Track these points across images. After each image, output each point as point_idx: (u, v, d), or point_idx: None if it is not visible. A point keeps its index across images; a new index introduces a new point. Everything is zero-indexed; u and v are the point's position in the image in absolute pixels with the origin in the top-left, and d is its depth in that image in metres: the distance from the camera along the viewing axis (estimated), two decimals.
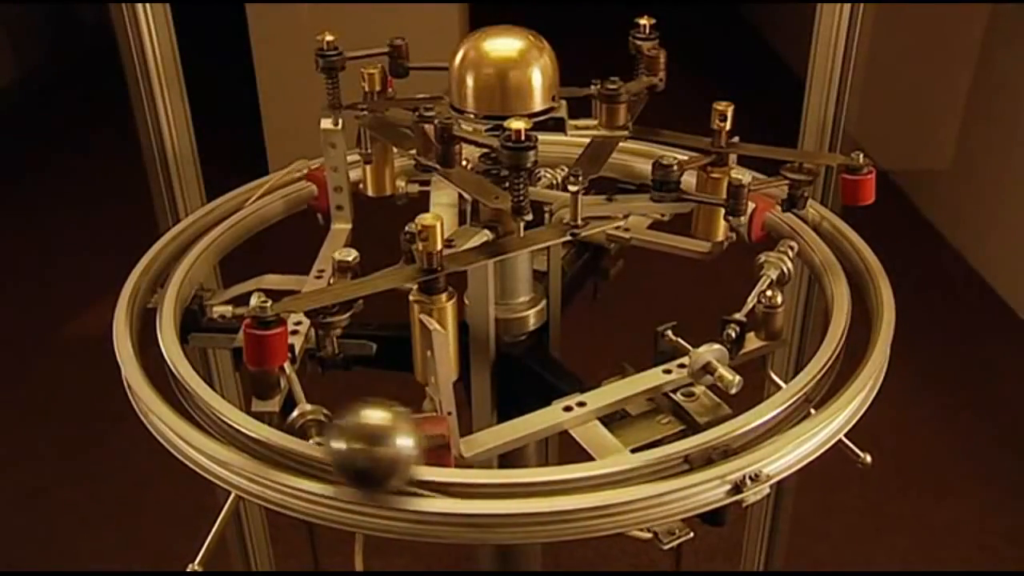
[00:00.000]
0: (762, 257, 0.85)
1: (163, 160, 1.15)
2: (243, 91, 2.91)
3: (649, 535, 0.68)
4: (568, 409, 0.73)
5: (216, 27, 3.06)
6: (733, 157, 0.88)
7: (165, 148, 1.15)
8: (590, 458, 0.69)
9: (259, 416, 0.71)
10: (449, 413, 0.69)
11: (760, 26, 4.05)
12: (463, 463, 0.68)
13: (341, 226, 0.99)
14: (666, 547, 0.67)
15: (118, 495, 1.98)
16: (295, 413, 0.73)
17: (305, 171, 1.02)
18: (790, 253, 0.85)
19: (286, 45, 2.67)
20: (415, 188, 0.98)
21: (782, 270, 0.84)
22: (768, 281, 0.83)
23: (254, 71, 2.84)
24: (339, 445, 0.60)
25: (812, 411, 0.74)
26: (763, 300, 0.80)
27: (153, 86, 1.11)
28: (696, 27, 3.68)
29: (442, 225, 0.69)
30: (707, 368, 0.73)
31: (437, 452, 0.66)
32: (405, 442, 0.60)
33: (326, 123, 0.93)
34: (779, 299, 0.80)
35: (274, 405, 0.74)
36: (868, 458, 0.78)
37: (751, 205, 0.84)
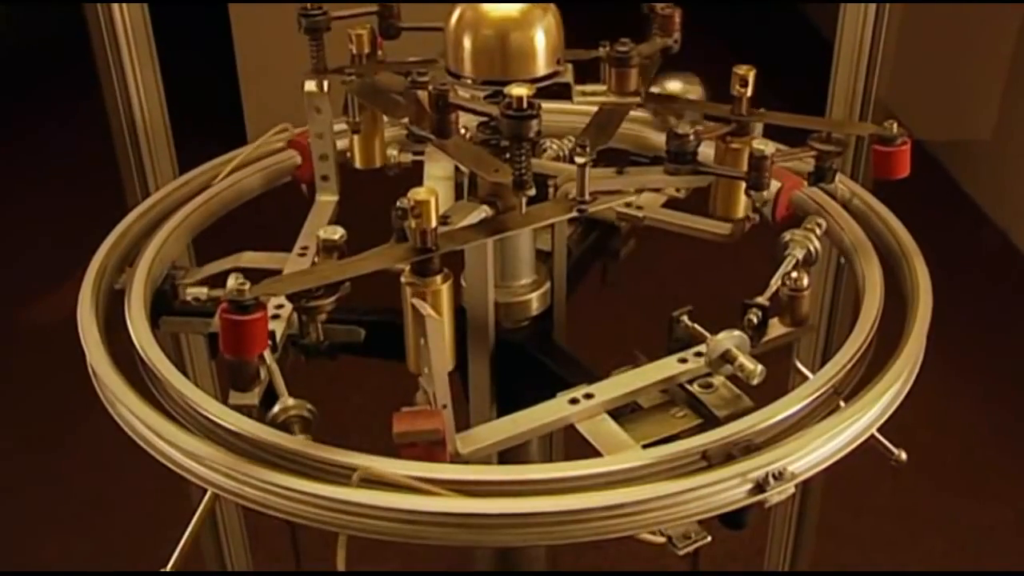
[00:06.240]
0: (787, 235, 0.84)
1: (132, 129, 1.15)
2: (220, 55, 2.90)
3: (663, 539, 0.68)
4: (574, 401, 0.73)
5: None
6: (756, 128, 0.87)
7: (134, 116, 1.14)
8: (598, 455, 0.69)
9: (237, 410, 0.71)
10: (444, 406, 0.68)
11: None
12: (459, 461, 0.68)
13: (326, 198, 0.99)
14: (681, 552, 0.67)
15: (86, 493, 1.98)
16: (276, 408, 0.73)
17: (288, 139, 1.01)
18: (817, 231, 0.85)
19: (266, 4, 2.66)
20: (407, 158, 0.98)
21: (809, 250, 0.83)
22: (793, 262, 0.83)
23: (231, 33, 2.83)
24: None
25: (841, 404, 0.74)
26: (788, 283, 0.80)
27: (121, 49, 1.11)
28: None
29: (437, 200, 0.68)
30: (726, 357, 0.73)
31: (431, 448, 0.66)
32: None
33: (310, 85, 0.93)
34: (805, 281, 0.80)
35: (253, 397, 0.74)
36: (903, 455, 0.78)
37: (776, 183, 0.84)
